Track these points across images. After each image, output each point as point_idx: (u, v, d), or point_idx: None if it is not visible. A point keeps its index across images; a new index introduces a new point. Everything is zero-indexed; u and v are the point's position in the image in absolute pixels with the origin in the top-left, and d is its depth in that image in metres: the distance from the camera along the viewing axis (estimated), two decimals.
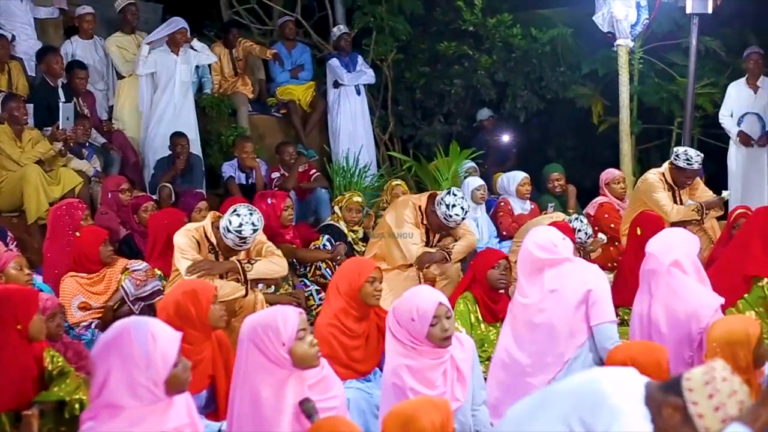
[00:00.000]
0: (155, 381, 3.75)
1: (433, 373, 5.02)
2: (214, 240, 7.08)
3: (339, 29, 13.07)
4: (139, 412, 3.76)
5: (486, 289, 7.01)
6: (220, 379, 5.61)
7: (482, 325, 7.01)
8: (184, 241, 7.05)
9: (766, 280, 6.88)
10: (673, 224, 9.02)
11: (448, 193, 7.98)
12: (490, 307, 7.03)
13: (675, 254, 5.99)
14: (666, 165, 9.57)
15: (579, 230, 8.36)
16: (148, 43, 11.18)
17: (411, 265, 8.10)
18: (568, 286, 5.75)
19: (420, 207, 8.17)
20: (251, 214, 6.96)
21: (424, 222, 8.17)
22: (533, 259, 5.88)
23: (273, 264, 7.17)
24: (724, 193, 9.59)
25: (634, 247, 8.15)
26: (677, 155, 9.22)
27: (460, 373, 5.11)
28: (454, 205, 7.87)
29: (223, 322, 5.70)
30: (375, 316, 6.18)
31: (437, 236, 8.25)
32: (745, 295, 6.88)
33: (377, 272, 6.13)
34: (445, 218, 7.94)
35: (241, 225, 6.89)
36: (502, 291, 7.18)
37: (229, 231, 6.91)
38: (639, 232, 8.15)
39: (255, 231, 6.96)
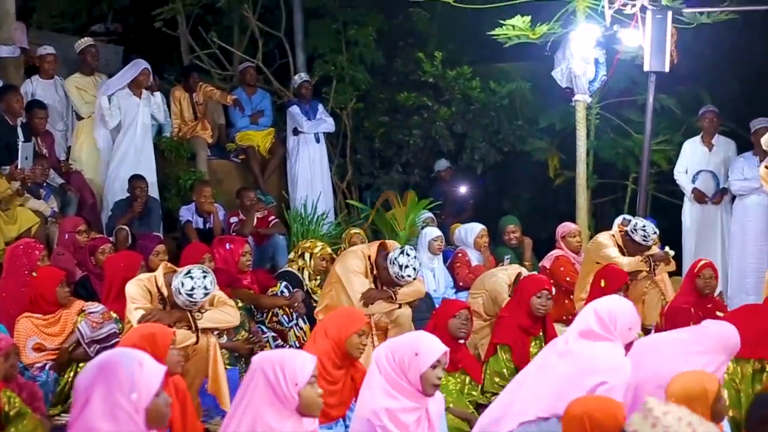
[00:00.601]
0: (137, 407, 3.73)
1: (409, 417, 5.04)
2: (165, 292, 6.97)
3: (300, 77, 13.14)
4: None
5: (447, 338, 6.94)
6: (177, 424, 5.57)
7: None
8: (136, 290, 6.97)
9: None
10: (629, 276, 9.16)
11: (402, 252, 7.93)
12: (449, 355, 7.00)
13: (725, 351, 5.96)
14: (616, 228, 9.77)
15: None
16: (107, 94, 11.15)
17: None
18: (588, 365, 5.70)
19: (369, 257, 8.14)
20: (205, 277, 6.84)
21: (374, 272, 8.14)
22: (586, 323, 5.80)
23: (224, 314, 7.08)
24: (667, 249, 9.71)
25: (596, 297, 8.17)
26: (635, 228, 9.36)
27: (431, 425, 5.15)
28: (407, 266, 7.86)
29: (180, 368, 5.69)
30: (352, 367, 6.20)
31: (384, 288, 8.23)
32: None
33: (367, 327, 6.24)
34: (396, 278, 7.92)
35: (193, 289, 6.77)
36: (462, 341, 7.20)
37: (180, 293, 6.80)
38: (603, 284, 8.22)
39: (206, 294, 6.84)
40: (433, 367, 5.02)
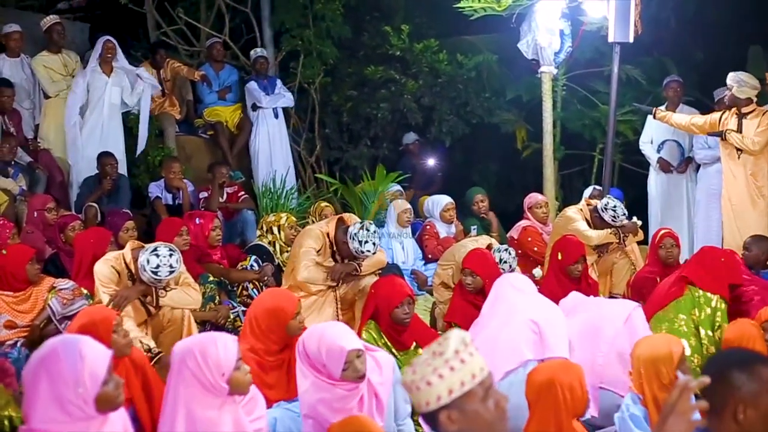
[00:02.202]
0: (84, 399, 3.71)
1: (347, 403, 5.04)
2: (133, 268, 7.05)
3: (255, 52, 13.10)
4: (74, 429, 3.73)
5: (389, 323, 6.85)
6: (139, 400, 5.62)
7: (393, 350, 6.85)
8: (104, 272, 7.06)
9: (700, 291, 7.13)
10: (597, 247, 9.31)
11: (362, 228, 7.92)
12: (396, 338, 6.92)
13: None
14: (583, 202, 9.83)
15: (505, 261, 8.46)
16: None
17: (329, 288, 8.09)
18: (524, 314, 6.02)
19: (328, 234, 8.13)
20: (171, 255, 6.93)
21: (333, 249, 8.11)
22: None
23: (186, 295, 7.17)
24: (635, 219, 9.80)
25: (555, 270, 8.32)
26: (605, 207, 9.40)
27: (378, 399, 5.18)
28: (366, 242, 7.86)
29: (129, 350, 5.64)
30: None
31: (346, 261, 8.26)
32: (679, 299, 7.12)
33: (299, 305, 6.07)
34: (356, 253, 7.92)
35: (158, 266, 6.87)
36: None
37: (145, 270, 6.88)
38: (560, 256, 8.30)
39: (172, 273, 6.93)
40: (344, 369, 4.95)
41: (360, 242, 7.83)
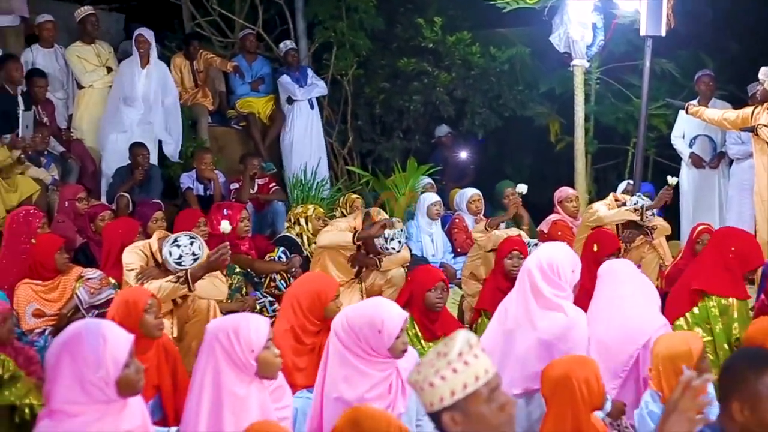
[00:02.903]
0: (106, 381, 3.78)
1: (379, 388, 5.05)
2: (160, 258, 7.08)
3: (285, 45, 13.12)
4: (94, 413, 3.79)
5: (422, 309, 6.91)
6: (167, 387, 5.65)
7: (422, 341, 6.93)
8: (131, 256, 7.10)
9: (714, 300, 7.00)
10: (623, 241, 9.21)
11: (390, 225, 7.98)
12: (427, 326, 6.96)
13: None
14: (611, 197, 9.73)
15: None
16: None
17: (354, 278, 8.16)
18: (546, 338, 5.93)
19: (355, 228, 8.17)
20: (192, 243, 6.96)
21: (359, 243, 8.16)
22: (532, 283, 6.07)
23: (214, 286, 7.14)
24: (670, 179, 9.68)
25: (588, 262, 8.24)
26: (635, 208, 9.31)
27: (404, 384, 5.14)
28: (392, 239, 7.90)
29: (159, 332, 5.67)
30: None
31: (370, 256, 8.29)
32: (694, 310, 7.01)
33: (338, 290, 6.21)
34: (381, 249, 7.95)
35: (181, 257, 6.90)
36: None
37: (169, 262, 6.92)
38: (595, 248, 8.24)
39: (195, 260, 6.93)
40: (398, 337, 4.98)
41: (386, 239, 7.86)
